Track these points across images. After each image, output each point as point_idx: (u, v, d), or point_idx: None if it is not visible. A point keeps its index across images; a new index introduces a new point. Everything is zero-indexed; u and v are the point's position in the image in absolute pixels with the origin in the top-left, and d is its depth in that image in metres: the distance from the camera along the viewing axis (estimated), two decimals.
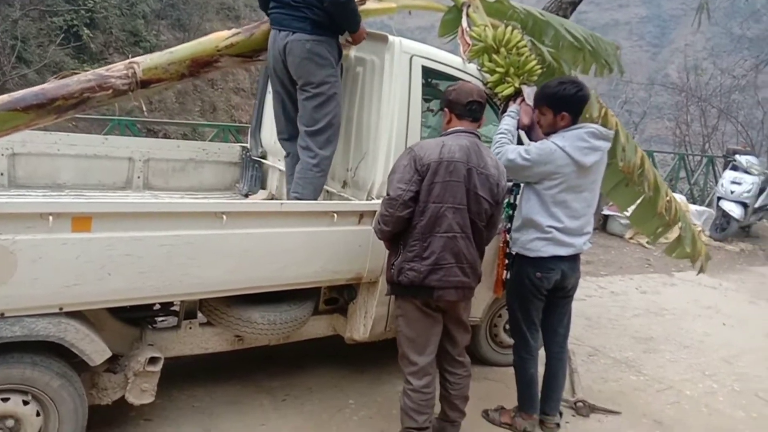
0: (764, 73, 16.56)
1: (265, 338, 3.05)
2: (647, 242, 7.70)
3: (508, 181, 3.59)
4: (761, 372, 4.47)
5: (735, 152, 10.11)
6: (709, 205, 9.84)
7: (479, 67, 3.50)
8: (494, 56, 3.32)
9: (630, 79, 18.60)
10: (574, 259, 3.11)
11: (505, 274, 3.59)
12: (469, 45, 3.39)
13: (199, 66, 3.10)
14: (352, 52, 3.34)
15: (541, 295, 3.10)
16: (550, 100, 2.97)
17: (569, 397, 3.63)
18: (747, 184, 8.86)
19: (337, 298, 3.32)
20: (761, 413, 3.85)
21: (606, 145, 3.02)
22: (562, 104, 2.93)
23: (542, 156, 2.89)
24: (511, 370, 3.30)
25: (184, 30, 18.15)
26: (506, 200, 3.58)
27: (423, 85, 3.59)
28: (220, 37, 3.10)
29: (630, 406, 3.71)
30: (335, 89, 3.08)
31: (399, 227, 2.65)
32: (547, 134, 3.04)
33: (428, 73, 3.28)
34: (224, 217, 2.53)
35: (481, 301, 3.73)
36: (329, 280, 3.03)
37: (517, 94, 3.28)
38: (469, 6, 3.58)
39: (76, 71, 2.86)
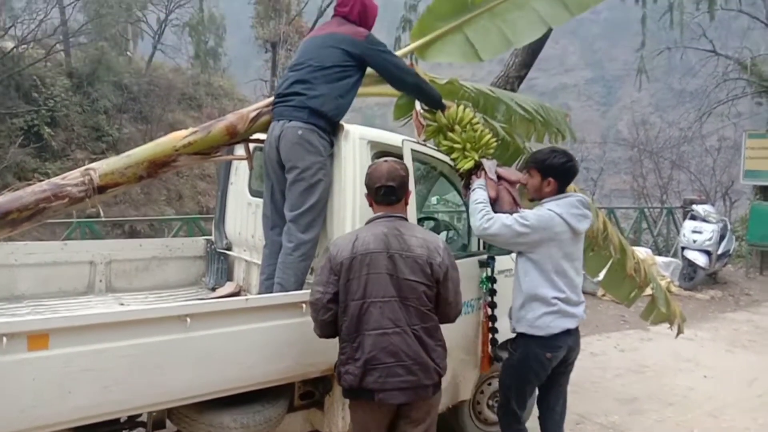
0: (708, 123, 17.40)
1: None
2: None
3: (485, 254, 3.64)
4: (748, 423, 4.43)
5: (692, 202, 10.46)
6: (674, 255, 10.03)
7: (436, 147, 3.58)
8: (450, 134, 3.40)
9: (584, 138, 19.33)
10: (577, 331, 3.08)
11: (491, 349, 3.55)
12: (423, 126, 3.48)
13: (157, 167, 3.09)
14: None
15: (545, 376, 3.03)
16: (539, 165, 3.06)
17: None
18: (707, 232, 9.11)
19: (313, 391, 3.20)
20: None
21: (591, 214, 3.08)
22: (550, 171, 3.03)
23: (541, 222, 2.92)
24: None
25: (147, 122, 18.34)
26: (483, 273, 3.60)
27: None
28: (177, 137, 3.12)
29: None
30: (321, 176, 3.10)
31: (328, 331, 2.58)
32: (531, 199, 3.15)
33: (386, 155, 3.33)
34: (188, 319, 2.45)
35: (469, 380, 3.67)
36: (303, 374, 2.93)
37: (477, 167, 3.36)
38: None
39: (29, 183, 2.82)
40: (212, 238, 4.24)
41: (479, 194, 3.12)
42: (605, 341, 6.47)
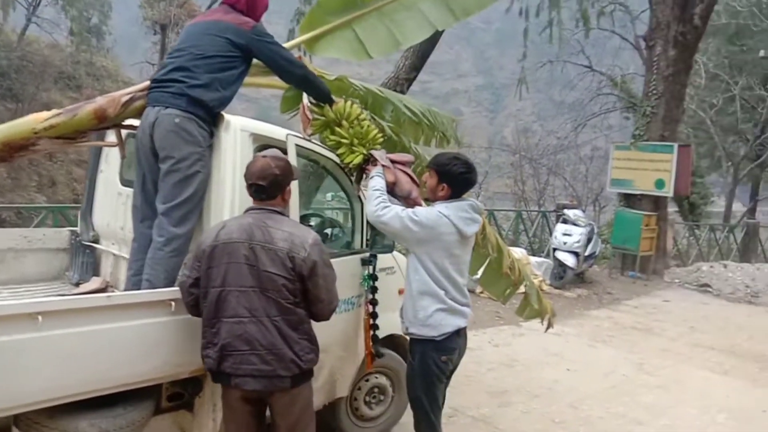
0: (583, 133, 18.77)
1: None
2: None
3: (368, 251, 3.66)
4: (602, 413, 4.81)
5: (564, 206, 11.22)
6: (547, 256, 10.70)
7: (322, 142, 3.57)
8: (337, 129, 3.41)
9: (471, 142, 20.15)
10: (465, 331, 3.15)
11: (372, 346, 3.58)
12: (309, 120, 3.44)
13: (13, 150, 2.84)
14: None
15: (445, 378, 3.10)
16: (438, 168, 3.10)
17: None
18: (576, 235, 9.81)
19: (182, 392, 3.06)
20: None
21: (481, 219, 3.18)
22: (447, 177, 3.08)
23: (429, 220, 2.97)
24: None
25: (17, 100, 16.79)
26: (365, 271, 3.62)
27: None
28: (38, 119, 2.86)
29: None
30: (198, 168, 2.96)
31: (194, 312, 2.64)
32: (426, 198, 3.22)
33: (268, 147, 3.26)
34: (39, 317, 2.25)
35: (346, 377, 3.67)
36: (171, 375, 2.79)
37: (367, 160, 3.38)
38: None
39: None
40: (78, 229, 3.93)
41: (377, 182, 3.19)
42: (481, 336, 6.78)
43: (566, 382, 5.51)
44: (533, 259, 9.92)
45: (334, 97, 3.52)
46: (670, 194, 11.74)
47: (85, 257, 3.82)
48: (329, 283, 2.66)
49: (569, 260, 9.63)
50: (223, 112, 3.12)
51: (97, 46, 24.62)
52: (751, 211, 21.31)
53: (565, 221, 10.27)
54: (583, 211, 11.38)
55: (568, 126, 18.30)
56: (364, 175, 3.46)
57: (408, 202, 3.30)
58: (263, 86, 3.82)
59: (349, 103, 3.47)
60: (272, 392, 2.59)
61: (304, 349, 2.60)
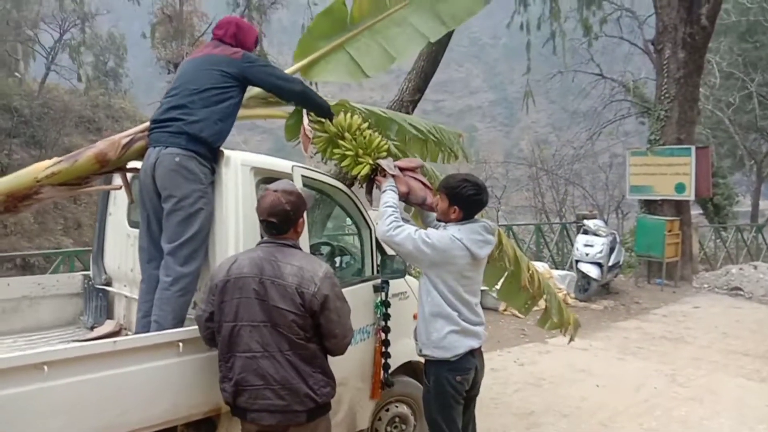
0: (600, 141, 18.60)
1: None
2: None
3: (379, 278, 3.61)
4: (635, 429, 4.65)
5: (584, 217, 11.06)
6: (570, 268, 10.52)
7: (325, 160, 3.56)
8: (340, 142, 3.37)
9: (486, 158, 20.09)
10: (481, 352, 3.11)
11: (383, 375, 3.51)
12: (310, 139, 3.42)
13: (17, 200, 2.87)
14: None
15: (462, 399, 3.04)
16: (448, 191, 3.06)
17: None
18: (598, 245, 9.64)
19: None
20: None
21: (494, 239, 3.13)
22: (457, 200, 3.03)
23: (441, 243, 2.94)
24: None
25: (40, 147, 17.24)
26: (377, 298, 3.57)
27: None
28: (39, 168, 2.89)
29: None
30: (201, 205, 2.96)
31: (212, 345, 2.66)
32: (438, 219, 3.18)
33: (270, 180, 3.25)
34: (45, 368, 2.24)
35: (366, 409, 3.59)
36: (183, 417, 2.74)
37: (375, 171, 3.33)
38: None
39: None
40: (90, 273, 3.95)
41: (390, 197, 3.14)
42: (506, 356, 6.64)
43: (595, 398, 5.35)
44: (556, 273, 9.75)
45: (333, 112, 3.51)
46: (692, 197, 11.52)
47: (98, 301, 3.83)
48: (343, 317, 2.61)
49: (593, 271, 9.45)
50: (222, 148, 3.12)
51: (114, 88, 25.27)
52: None
53: (585, 232, 10.12)
54: (605, 221, 11.21)
55: (583, 135, 18.17)
56: (375, 187, 3.41)
57: (424, 207, 3.29)
58: (262, 117, 3.84)
59: (349, 114, 3.44)
60: (288, 426, 2.55)
61: (319, 383, 2.56)
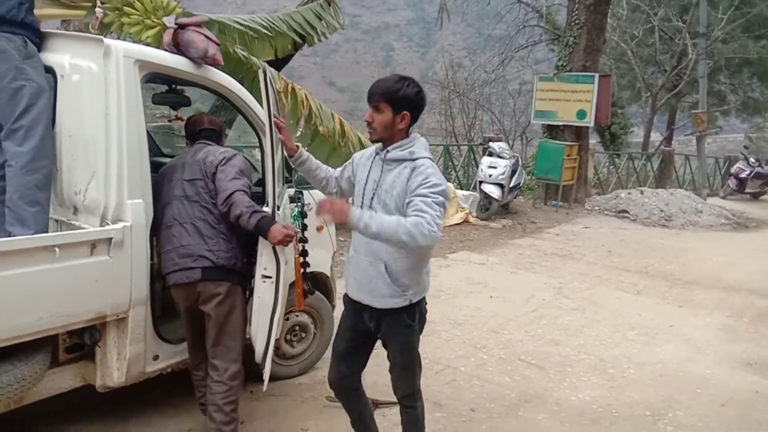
0: (511, 67, 18.78)
1: None
2: None
3: (293, 188, 3.50)
4: (521, 336, 4.98)
5: (490, 140, 11.31)
6: (474, 189, 10.84)
7: (120, 35, 3.50)
8: (128, 9, 3.38)
9: None
10: None
11: (305, 284, 3.43)
12: (98, 19, 3.29)
13: None
14: (67, 59, 2.90)
15: None
16: (389, 96, 2.49)
17: None
18: (501, 167, 9.95)
19: (81, 343, 2.88)
20: (523, 375, 4.27)
21: None
22: (404, 103, 2.50)
23: (441, 177, 2.48)
24: (295, 381, 3.46)
25: None
26: (294, 210, 3.44)
27: (167, 91, 3.33)
28: None
29: None
30: (22, 82, 2.72)
31: None
32: (380, 139, 2.56)
33: (159, 78, 3.01)
34: None
35: None
36: (62, 326, 2.60)
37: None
38: None
39: None
40: None
41: (383, 218, 2.35)
42: None
43: (488, 308, 5.65)
44: (460, 193, 10.03)
45: None
46: (591, 124, 12.03)
47: None
48: (233, 171, 2.90)
49: (495, 192, 9.78)
50: (103, 37, 2.81)
51: None
52: (668, 140, 22.28)
53: (490, 154, 10.38)
54: (510, 145, 11.52)
55: (495, 60, 18.25)
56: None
57: (207, 61, 3.05)
58: (56, 17, 3.62)
59: None
60: (188, 285, 2.84)
61: (218, 245, 2.86)
